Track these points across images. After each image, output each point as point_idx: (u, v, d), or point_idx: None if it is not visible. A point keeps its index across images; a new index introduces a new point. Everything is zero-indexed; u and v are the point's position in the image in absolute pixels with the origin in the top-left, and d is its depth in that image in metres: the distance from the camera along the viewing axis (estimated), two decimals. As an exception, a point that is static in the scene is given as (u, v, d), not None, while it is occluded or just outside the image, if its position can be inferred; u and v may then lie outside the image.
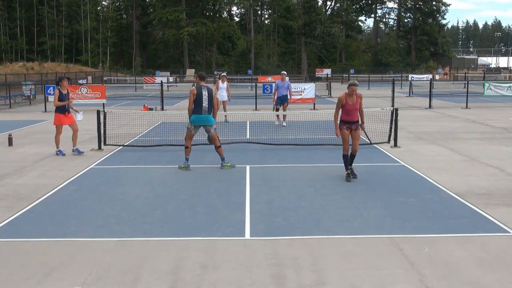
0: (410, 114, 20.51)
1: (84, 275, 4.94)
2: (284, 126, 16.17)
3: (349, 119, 8.80)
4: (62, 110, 11.53)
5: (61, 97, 11.44)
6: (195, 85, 10.27)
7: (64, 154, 11.45)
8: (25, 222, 6.64)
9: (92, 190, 8.28)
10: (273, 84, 19.14)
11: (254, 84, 30.18)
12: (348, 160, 8.88)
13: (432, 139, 13.63)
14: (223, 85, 17.55)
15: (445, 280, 4.80)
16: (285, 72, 17.17)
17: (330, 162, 10.50)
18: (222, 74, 19.23)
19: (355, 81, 8.96)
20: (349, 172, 8.88)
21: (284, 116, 16.51)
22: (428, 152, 11.61)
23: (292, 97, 23.08)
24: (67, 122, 11.64)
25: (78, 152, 11.56)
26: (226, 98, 17.65)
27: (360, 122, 8.98)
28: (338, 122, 8.88)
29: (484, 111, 21.81)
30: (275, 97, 16.58)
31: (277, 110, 16.79)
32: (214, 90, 10.09)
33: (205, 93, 9.73)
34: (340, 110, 8.82)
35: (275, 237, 5.98)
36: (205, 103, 9.73)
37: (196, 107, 9.71)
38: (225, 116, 17.40)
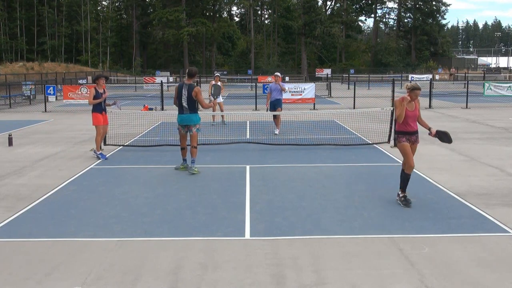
0: (410, 114, 20.47)
1: (84, 275, 4.94)
2: (276, 134, 14.52)
3: (409, 129, 7.34)
4: (99, 109, 11.12)
5: (97, 95, 11.07)
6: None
7: (106, 158, 10.94)
8: (25, 222, 6.64)
9: (92, 190, 8.28)
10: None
11: (254, 84, 30.18)
12: (408, 179, 7.36)
13: (432, 139, 13.58)
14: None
15: (445, 280, 4.80)
16: (278, 74, 15.44)
17: (330, 162, 10.50)
18: (216, 74, 18.99)
19: (417, 84, 7.50)
20: (406, 194, 7.35)
21: (278, 122, 14.85)
22: (428, 152, 11.61)
23: (292, 97, 22.89)
24: (103, 122, 11.27)
25: (102, 157, 11.03)
26: (221, 100, 17.55)
27: (428, 131, 7.53)
28: (394, 133, 7.52)
29: (484, 111, 21.81)
30: (268, 102, 14.96)
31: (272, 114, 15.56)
32: (197, 89, 9.36)
33: (184, 93, 9.34)
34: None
35: (275, 237, 5.98)
36: (184, 103, 9.36)
37: (178, 106, 9.54)
38: (222, 116, 17.30)
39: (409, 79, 42.58)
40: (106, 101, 11.38)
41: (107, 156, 11.23)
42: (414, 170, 9.62)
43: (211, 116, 17.24)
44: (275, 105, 14.75)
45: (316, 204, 7.37)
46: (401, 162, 10.37)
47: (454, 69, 61.13)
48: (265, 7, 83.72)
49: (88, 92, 11.17)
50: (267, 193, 8.00)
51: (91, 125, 11.87)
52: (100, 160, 10.83)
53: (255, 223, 6.50)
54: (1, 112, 23.07)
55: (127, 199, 7.71)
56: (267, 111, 15.18)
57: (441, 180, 8.80)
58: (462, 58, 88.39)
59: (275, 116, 14.85)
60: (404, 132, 7.37)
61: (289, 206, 7.26)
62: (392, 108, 12.94)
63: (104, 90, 11.31)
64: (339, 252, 5.50)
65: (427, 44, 78.45)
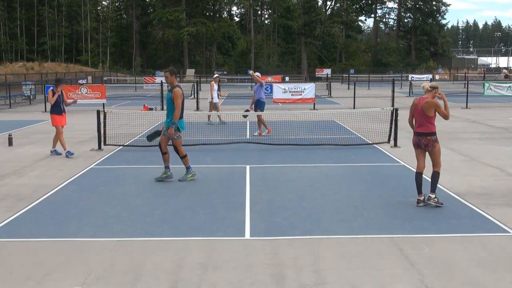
0: (410, 114, 20.47)
1: (84, 275, 4.94)
2: (259, 135, 14.29)
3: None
4: (58, 111, 11.53)
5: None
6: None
7: (60, 154, 11.44)
8: (25, 222, 6.64)
9: (92, 190, 8.28)
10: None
11: (254, 84, 30.17)
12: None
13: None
14: (216, 86, 17.73)
15: (445, 280, 4.80)
16: (255, 73, 15.10)
17: (330, 162, 10.50)
18: (216, 75, 18.95)
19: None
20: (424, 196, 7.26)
21: (259, 123, 14.47)
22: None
23: (292, 97, 22.86)
24: (62, 123, 11.62)
25: (56, 153, 11.53)
26: (217, 100, 17.73)
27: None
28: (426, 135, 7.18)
29: (484, 111, 21.82)
30: (252, 104, 14.65)
31: (245, 116, 15.42)
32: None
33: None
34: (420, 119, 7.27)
35: (275, 237, 5.98)
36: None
37: (181, 111, 8.77)
38: (219, 116, 17.49)
39: (409, 79, 42.53)
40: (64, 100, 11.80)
41: (107, 155, 11.24)
42: (414, 170, 9.61)
43: (207, 116, 17.44)
44: (256, 106, 14.49)
45: (316, 204, 7.37)
46: (401, 162, 10.43)
47: (482, 70, 61.44)
48: (265, 7, 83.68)
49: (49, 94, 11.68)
50: (267, 193, 7.99)
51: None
52: (100, 160, 10.83)
53: (255, 223, 6.49)
54: (1, 112, 23.06)
55: (127, 199, 7.71)
56: (246, 110, 14.66)
57: (441, 180, 8.75)
58: (462, 58, 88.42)
59: (258, 118, 14.58)
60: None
61: (289, 206, 7.26)
62: (392, 108, 12.94)
63: (62, 92, 11.73)
64: (339, 252, 5.50)
65: (427, 44, 78.47)
